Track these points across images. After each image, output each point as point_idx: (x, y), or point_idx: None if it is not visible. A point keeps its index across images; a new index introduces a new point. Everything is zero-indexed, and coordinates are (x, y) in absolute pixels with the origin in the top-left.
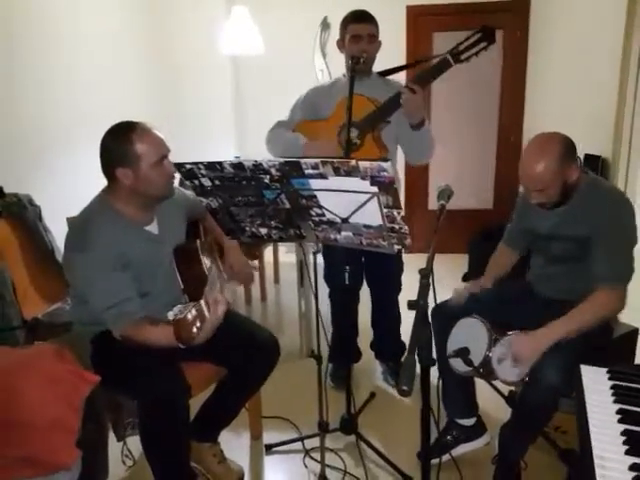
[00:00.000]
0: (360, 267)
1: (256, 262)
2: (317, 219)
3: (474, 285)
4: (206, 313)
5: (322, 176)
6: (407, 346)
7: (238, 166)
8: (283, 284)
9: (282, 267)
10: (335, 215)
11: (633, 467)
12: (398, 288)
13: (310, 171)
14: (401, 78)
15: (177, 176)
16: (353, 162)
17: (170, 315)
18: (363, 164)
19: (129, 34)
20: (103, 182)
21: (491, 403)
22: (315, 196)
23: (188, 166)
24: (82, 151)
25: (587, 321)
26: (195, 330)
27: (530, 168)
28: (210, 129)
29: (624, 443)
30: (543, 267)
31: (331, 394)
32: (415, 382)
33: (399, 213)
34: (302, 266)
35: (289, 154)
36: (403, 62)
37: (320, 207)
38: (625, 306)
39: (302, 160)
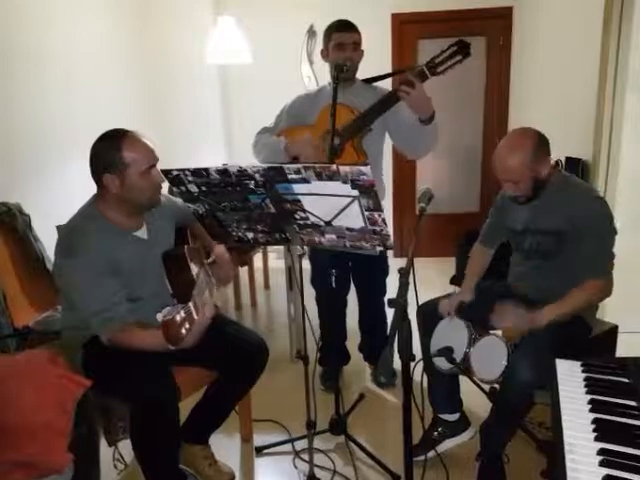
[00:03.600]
0: (347, 271)
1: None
2: (302, 222)
3: (455, 299)
4: (195, 315)
5: (305, 181)
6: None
7: (223, 172)
8: (273, 289)
9: (272, 273)
10: (319, 218)
11: (600, 452)
12: (383, 290)
13: (293, 176)
14: (385, 86)
15: (166, 184)
16: (334, 167)
17: (159, 317)
18: (343, 168)
19: (117, 46)
20: (94, 190)
21: (475, 399)
22: (299, 200)
23: (175, 172)
24: (73, 159)
25: (578, 306)
26: (184, 331)
27: (504, 159)
28: (199, 138)
29: (594, 431)
30: (521, 264)
31: (321, 396)
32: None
33: (380, 215)
34: (291, 271)
35: (271, 158)
36: (389, 69)
37: (304, 211)
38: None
39: (285, 165)
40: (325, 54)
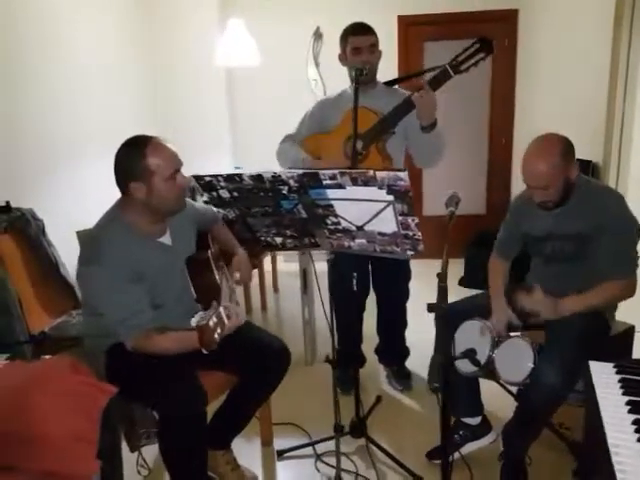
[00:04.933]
0: (367, 275)
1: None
2: (332, 227)
3: (501, 324)
4: (225, 320)
5: (340, 186)
6: (427, 347)
7: (257, 178)
8: (282, 292)
9: (280, 276)
10: (351, 223)
11: None
12: (406, 294)
13: (328, 182)
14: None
15: None
16: (371, 172)
17: (193, 322)
18: (380, 174)
19: (126, 49)
20: (108, 195)
21: (495, 402)
22: (332, 205)
23: (207, 178)
24: (85, 162)
25: (600, 302)
26: (216, 336)
27: (534, 166)
28: (204, 140)
29: (636, 431)
30: (541, 268)
31: (338, 398)
32: (418, 383)
33: (413, 220)
34: (306, 274)
35: (294, 167)
36: (395, 71)
37: (336, 216)
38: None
39: (321, 171)
40: (343, 58)
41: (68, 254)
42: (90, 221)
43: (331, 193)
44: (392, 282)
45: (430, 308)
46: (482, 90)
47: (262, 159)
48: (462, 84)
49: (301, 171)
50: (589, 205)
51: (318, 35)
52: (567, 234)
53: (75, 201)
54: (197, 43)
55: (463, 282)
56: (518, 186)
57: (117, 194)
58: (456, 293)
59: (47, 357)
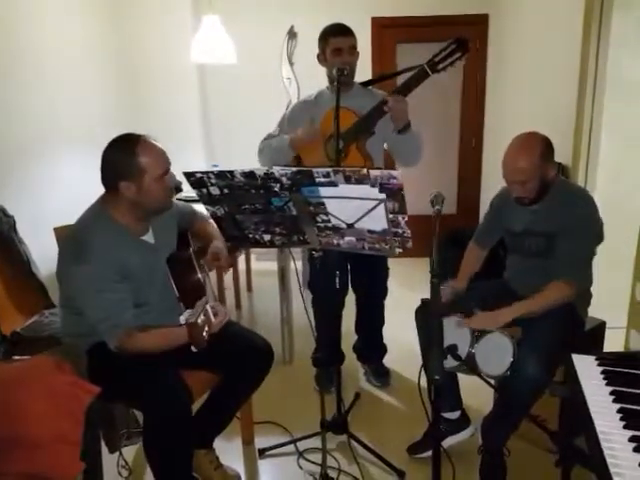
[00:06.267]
0: (346, 273)
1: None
2: (322, 225)
3: (448, 289)
4: (212, 318)
5: (332, 184)
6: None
7: (249, 175)
8: (256, 291)
9: (253, 274)
10: (341, 221)
11: (632, 439)
12: (384, 293)
13: (321, 179)
14: (382, 88)
15: None
16: (364, 171)
17: (182, 319)
18: (374, 172)
19: (97, 45)
20: (81, 191)
21: (474, 397)
22: (323, 203)
23: (198, 175)
24: (56, 161)
25: (542, 305)
26: (205, 334)
27: (514, 160)
28: (177, 138)
29: (621, 419)
30: (519, 264)
31: (317, 397)
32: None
33: (404, 218)
34: (284, 272)
35: (277, 157)
36: (369, 72)
37: (326, 214)
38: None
39: (315, 169)
40: (322, 58)
41: (40, 251)
42: (63, 218)
43: (323, 191)
44: (371, 280)
45: (423, 304)
46: (453, 92)
47: (239, 157)
48: (433, 86)
49: (295, 169)
50: (559, 206)
51: (292, 34)
52: (541, 231)
53: (48, 198)
54: (168, 39)
55: None
56: (487, 186)
57: (91, 190)
58: (428, 290)
59: (18, 357)
